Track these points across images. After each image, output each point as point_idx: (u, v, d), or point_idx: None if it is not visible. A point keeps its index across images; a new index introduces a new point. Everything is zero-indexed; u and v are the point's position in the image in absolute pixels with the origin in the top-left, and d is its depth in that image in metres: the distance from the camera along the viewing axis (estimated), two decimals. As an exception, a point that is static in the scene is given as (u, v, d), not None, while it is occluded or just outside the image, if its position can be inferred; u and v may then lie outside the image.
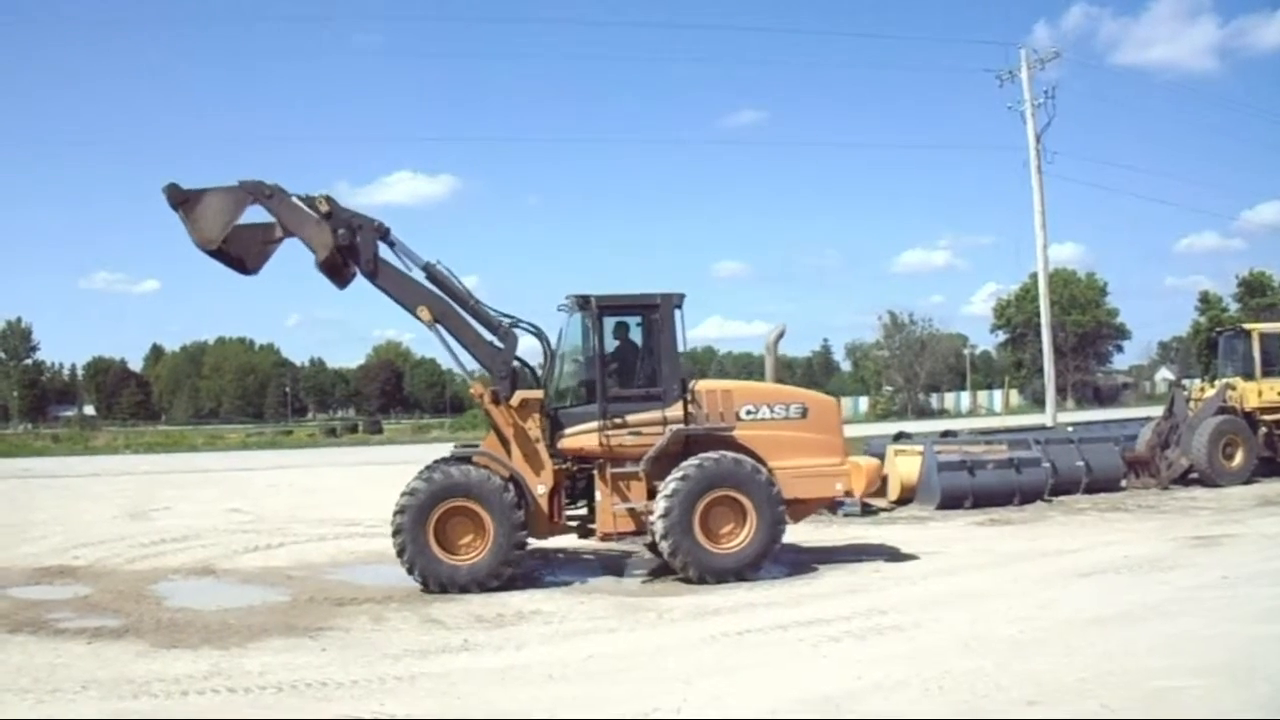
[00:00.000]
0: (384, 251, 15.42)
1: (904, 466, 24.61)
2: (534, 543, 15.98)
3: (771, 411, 15.76)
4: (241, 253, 14.98)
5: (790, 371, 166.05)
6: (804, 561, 16.58)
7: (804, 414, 15.91)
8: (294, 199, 14.74)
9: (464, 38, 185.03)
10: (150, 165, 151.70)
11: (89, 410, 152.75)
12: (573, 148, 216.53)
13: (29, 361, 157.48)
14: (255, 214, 14.94)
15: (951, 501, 23.21)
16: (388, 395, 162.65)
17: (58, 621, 13.02)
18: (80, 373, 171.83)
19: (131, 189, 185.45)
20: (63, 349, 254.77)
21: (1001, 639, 11.00)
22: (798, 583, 14.97)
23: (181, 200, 14.52)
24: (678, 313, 15.63)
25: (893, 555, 17.10)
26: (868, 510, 23.08)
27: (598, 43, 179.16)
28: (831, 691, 9.27)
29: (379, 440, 78.14)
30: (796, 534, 19.54)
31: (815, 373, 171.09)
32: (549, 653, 11.05)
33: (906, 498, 24.27)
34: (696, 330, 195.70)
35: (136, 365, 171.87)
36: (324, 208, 14.92)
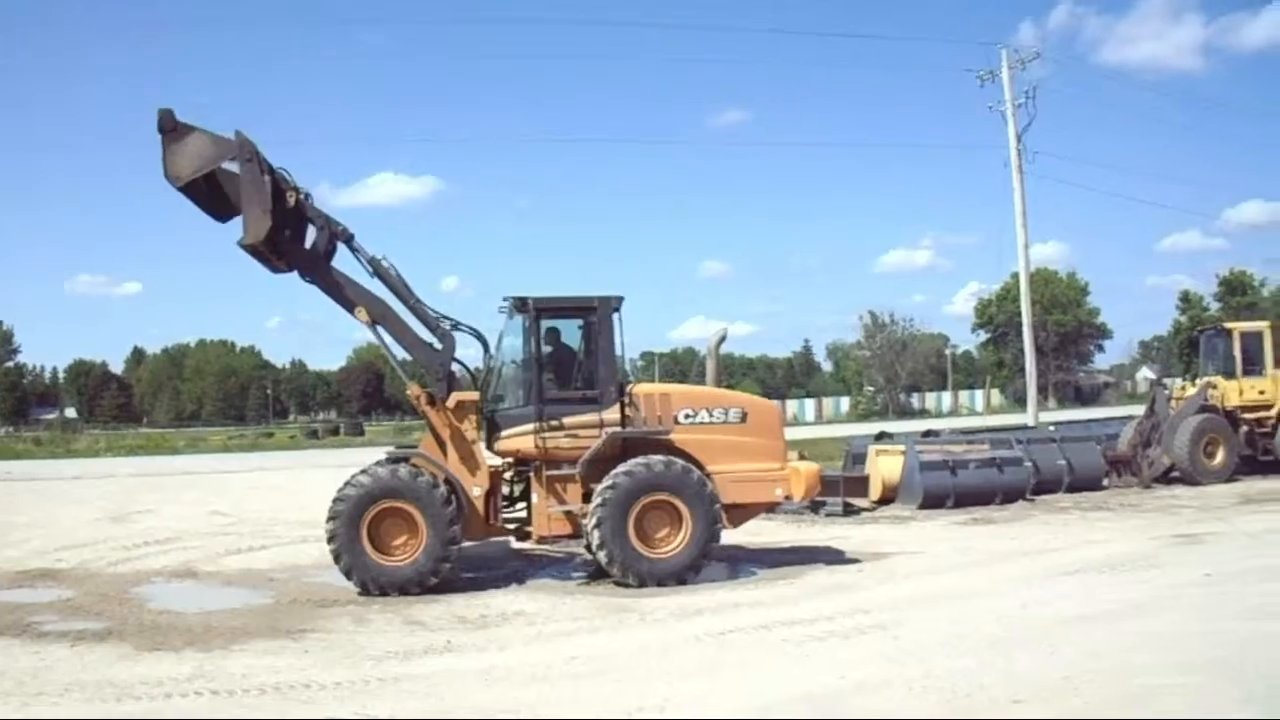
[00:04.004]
0: (345, 255, 15.44)
1: (886, 466, 24.64)
2: (520, 545, 16.02)
3: (710, 415, 15.71)
4: (218, 199, 14.85)
5: (771, 372, 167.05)
6: (787, 561, 16.62)
7: (743, 418, 15.84)
8: (266, 177, 14.42)
9: (445, 39, 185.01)
10: (132, 167, 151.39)
11: (70, 413, 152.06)
12: (555, 149, 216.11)
13: (10, 364, 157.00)
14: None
15: (934, 501, 23.25)
16: (369, 397, 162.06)
17: (40, 624, 12.96)
18: (62, 375, 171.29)
19: (113, 190, 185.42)
20: (44, 352, 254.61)
21: (985, 638, 11.01)
22: (781, 583, 14.97)
23: (170, 128, 14.31)
24: (616, 316, 15.60)
25: (875, 555, 17.09)
26: (850, 510, 23.13)
27: (580, 43, 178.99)
28: (815, 691, 9.29)
29: (361, 442, 77.80)
30: (778, 534, 19.66)
31: (796, 373, 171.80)
32: (532, 653, 11.04)
33: (888, 497, 24.30)
34: (678, 330, 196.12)
35: (118, 368, 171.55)
36: (293, 199, 14.88)
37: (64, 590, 15.51)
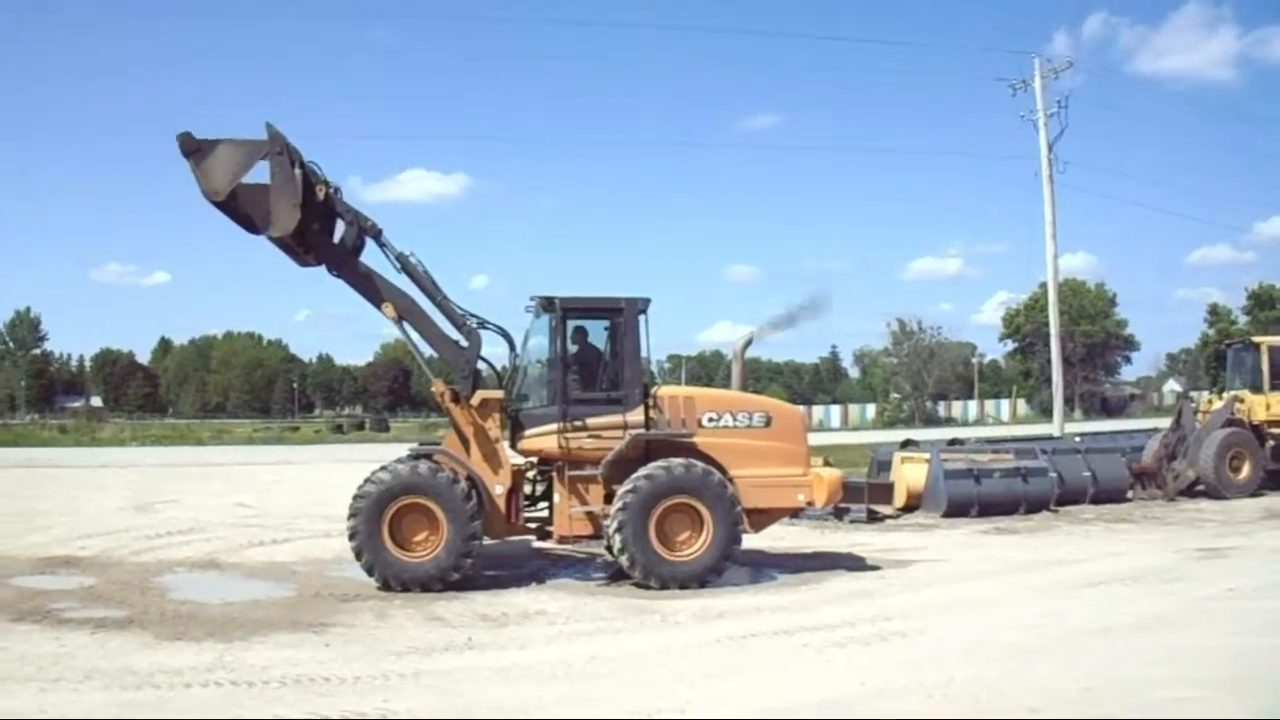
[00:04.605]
0: (373, 250, 15.47)
1: (911, 474, 24.56)
2: (541, 545, 16.05)
3: (734, 419, 15.71)
4: (251, 211, 14.66)
5: (798, 377, 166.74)
6: (809, 567, 16.58)
7: (768, 423, 15.83)
8: (298, 171, 14.44)
9: (479, 37, 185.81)
10: (163, 158, 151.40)
11: (96, 402, 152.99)
12: (586, 149, 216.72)
13: (37, 352, 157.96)
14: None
15: (957, 509, 23.18)
16: (395, 393, 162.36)
17: (62, 611, 13.02)
18: (88, 364, 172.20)
19: (144, 181, 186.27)
20: (71, 340, 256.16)
21: (1006, 647, 10.98)
22: (803, 588, 14.94)
23: (193, 149, 14.32)
24: (643, 318, 15.56)
25: (898, 562, 17.04)
26: (874, 517, 23.06)
27: (613, 45, 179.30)
28: (835, 696, 9.28)
29: (386, 438, 77.98)
30: (802, 540, 19.62)
31: (823, 379, 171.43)
32: (552, 652, 11.04)
33: (913, 505, 24.22)
34: (706, 334, 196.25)
35: (144, 358, 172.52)
36: (322, 193, 14.90)
37: (86, 578, 15.59)
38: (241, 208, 14.62)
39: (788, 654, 10.95)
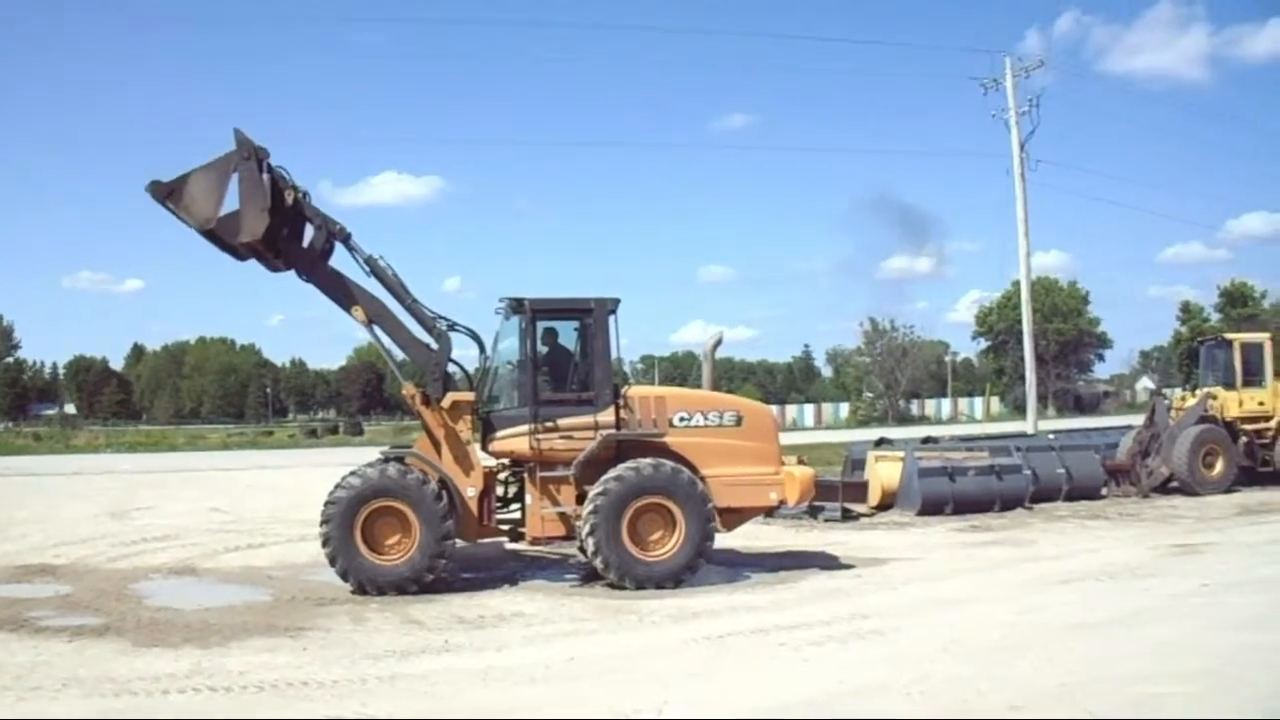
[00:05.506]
0: (342, 254, 15.47)
1: (885, 472, 24.63)
2: (514, 546, 16.05)
3: (705, 419, 15.74)
4: (229, 238, 14.69)
5: (771, 377, 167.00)
6: (785, 566, 16.61)
7: (739, 422, 15.87)
8: (264, 176, 14.42)
9: (451, 39, 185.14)
10: (134, 164, 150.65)
11: (70, 409, 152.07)
12: (560, 150, 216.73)
13: (10, 360, 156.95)
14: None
15: (932, 507, 23.27)
16: (368, 396, 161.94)
17: (38, 620, 12.98)
18: (61, 372, 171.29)
19: (115, 188, 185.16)
20: (44, 348, 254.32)
21: (982, 644, 11.04)
22: (779, 587, 14.97)
23: (166, 193, 14.36)
24: (613, 318, 15.59)
25: (874, 560, 17.08)
26: (848, 516, 23.13)
27: (586, 45, 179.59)
28: (813, 695, 9.31)
29: (360, 441, 77.87)
30: (776, 539, 19.66)
31: (796, 378, 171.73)
32: (530, 654, 11.04)
33: (887, 503, 24.28)
34: (679, 334, 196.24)
35: (118, 364, 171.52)
36: (291, 198, 14.90)
37: (62, 586, 15.53)
38: (224, 236, 14.63)
39: (765, 653, 10.97)
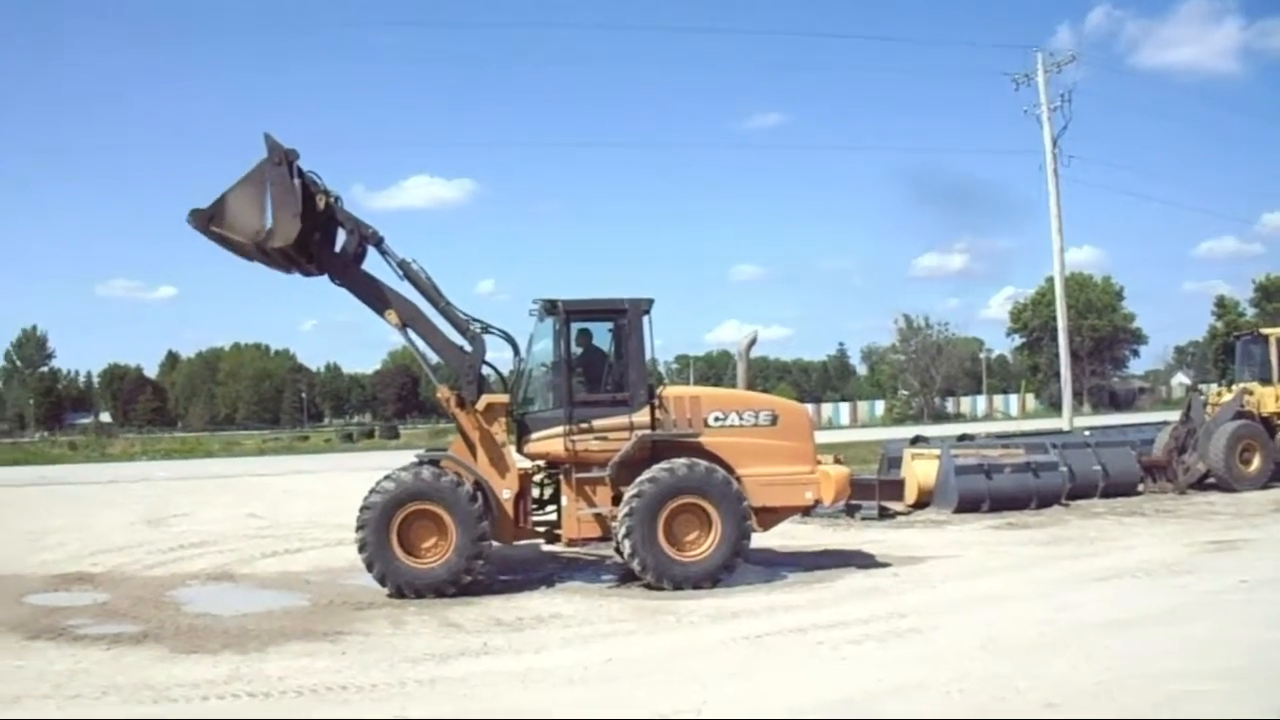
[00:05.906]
0: (375, 258, 15.51)
1: (921, 470, 24.57)
2: (550, 548, 16.08)
3: (740, 418, 15.69)
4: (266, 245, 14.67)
5: (806, 375, 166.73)
6: (822, 565, 16.58)
7: (774, 421, 15.82)
8: (296, 181, 14.45)
9: (483, 42, 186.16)
10: (168, 171, 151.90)
11: (105, 417, 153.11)
12: (591, 152, 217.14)
13: (45, 369, 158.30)
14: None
15: (969, 505, 23.19)
16: (404, 400, 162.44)
17: (77, 628, 13.04)
18: (96, 380, 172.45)
19: (149, 195, 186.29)
20: (78, 356, 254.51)
21: (1020, 642, 11.00)
22: (816, 586, 14.94)
23: (208, 219, 14.36)
24: (646, 318, 15.58)
25: (911, 558, 17.03)
26: (885, 514, 23.10)
27: (617, 46, 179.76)
28: (851, 694, 9.30)
29: (395, 445, 78.01)
30: (813, 537, 19.62)
31: (831, 376, 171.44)
32: (568, 656, 11.06)
33: (924, 501, 24.23)
34: (713, 334, 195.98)
35: (152, 372, 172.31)
36: (322, 203, 14.96)
37: (100, 594, 15.62)
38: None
39: (804, 653, 10.96)
